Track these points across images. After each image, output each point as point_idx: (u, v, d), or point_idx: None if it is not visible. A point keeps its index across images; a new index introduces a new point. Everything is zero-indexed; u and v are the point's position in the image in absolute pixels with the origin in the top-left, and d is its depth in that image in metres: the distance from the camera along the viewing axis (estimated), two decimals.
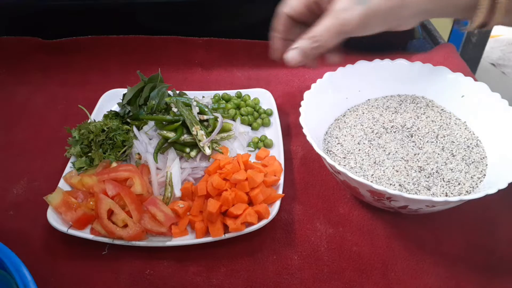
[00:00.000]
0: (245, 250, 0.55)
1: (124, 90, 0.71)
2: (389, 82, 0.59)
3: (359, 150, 0.57)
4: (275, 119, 0.71)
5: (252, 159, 0.65)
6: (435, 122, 0.60)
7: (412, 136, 0.58)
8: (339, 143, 0.59)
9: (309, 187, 0.63)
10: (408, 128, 0.59)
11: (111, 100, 0.74)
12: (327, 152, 0.58)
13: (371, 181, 0.51)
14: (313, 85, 0.60)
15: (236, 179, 0.56)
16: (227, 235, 0.54)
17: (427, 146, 0.57)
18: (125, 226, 0.54)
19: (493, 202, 0.56)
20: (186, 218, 0.57)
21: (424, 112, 0.62)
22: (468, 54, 1.50)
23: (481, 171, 0.54)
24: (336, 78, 0.62)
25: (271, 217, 0.55)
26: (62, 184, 0.60)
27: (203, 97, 0.73)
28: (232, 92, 0.76)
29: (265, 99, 0.75)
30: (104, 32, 0.91)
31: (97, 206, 0.55)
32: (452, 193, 0.51)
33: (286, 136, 0.70)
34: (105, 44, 0.90)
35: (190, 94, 0.74)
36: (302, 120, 0.54)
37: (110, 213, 0.55)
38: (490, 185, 0.48)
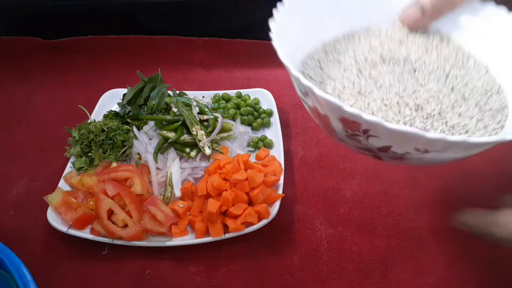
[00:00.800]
0: (245, 250, 0.55)
1: (124, 90, 0.71)
2: (397, 8, 0.46)
3: (343, 77, 0.44)
4: (275, 119, 0.71)
5: (252, 159, 0.65)
6: (448, 59, 0.47)
7: (415, 71, 0.45)
8: (319, 67, 0.45)
9: (309, 187, 0.63)
10: (412, 62, 0.46)
11: (111, 100, 0.74)
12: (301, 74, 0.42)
13: None
14: None
15: (236, 179, 0.56)
16: (227, 235, 0.54)
17: (432, 84, 0.44)
18: (125, 226, 0.54)
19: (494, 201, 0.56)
20: (186, 218, 0.57)
21: (436, 47, 0.48)
22: None
23: (499, 121, 0.42)
24: None
25: (271, 217, 0.55)
26: (62, 184, 0.60)
27: (203, 97, 0.73)
28: (232, 92, 0.76)
29: (265, 99, 0.75)
30: (104, 32, 0.91)
31: (97, 206, 0.55)
32: None
33: (286, 136, 0.70)
34: (105, 44, 0.90)
35: (190, 94, 0.74)
36: (274, 24, 0.40)
37: (110, 213, 0.55)
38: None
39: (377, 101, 0.41)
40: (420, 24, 0.47)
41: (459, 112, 0.42)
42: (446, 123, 0.40)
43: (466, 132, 0.40)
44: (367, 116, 0.31)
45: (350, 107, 0.32)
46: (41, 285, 0.44)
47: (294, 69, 0.35)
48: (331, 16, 0.48)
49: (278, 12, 0.41)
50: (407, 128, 0.31)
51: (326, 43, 0.48)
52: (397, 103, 0.41)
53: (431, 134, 0.31)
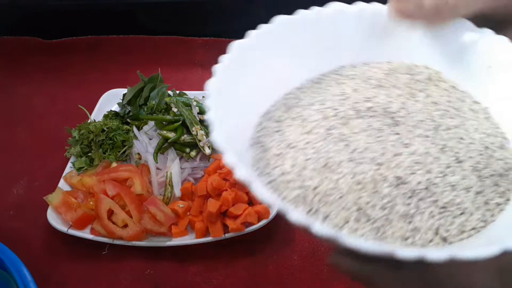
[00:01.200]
0: (245, 250, 0.55)
1: (124, 90, 0.71)
2: (375, 41, 0.38)
3: (307, 143, 0.34)
4: None
5: None
6: (439, 104, 0.37)
7: (397, 125, 0.36)
8: (278, 131, 0.36)
9: None
10: (393, 113, 0.36)
11: (111, 100, 0.74)
12: (255, 144, 0.34)
13: (313, 197, 0.31)
14: (250, 35, 0.35)
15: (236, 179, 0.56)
16: (227, 235, 0.54)
17: (418, 143, 0.34)
18: (125, 226, 0.54)
19: None
20: (186, 218, 0.57)
21: (424, 89, 0.39)
22: None
23: (503, 192, 0.33)
24: (287, 29, 0.36)
25: (271, 217, 0.55)
26: (62, 184, 0.60)
27: (203, 97, 0.73)
28: None
29: None
30: (104, 32, 0.91)
31: (97, 206, 0.55)
32: (448, 229, 0.31)
33: None
34: (105, 44, 0.90)
35: (190, 94, 0.74)
36: (212, 85, 0.30)
37: (110, 213, 0.55)
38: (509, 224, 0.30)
39: (347, 179, 0.32)
40: (412, 20, 0.37)
41: (452, 182, 0.32)
42: (436, 202, 0.31)
43: (462, 213, 0.31)
44: (316, 228, 0.24)
45: (296, 213, 0.24)
46: (41, 285, 0.44)
47: (231, 154, 0.25)
48: (291, 57, 0.37)
49: (222, 60, 0.31)
50: (363, 243, 0.23)
51: (287, 94, 0.37)
52: (373, 178, 0.32)
53: (402, 251, 0.23)
